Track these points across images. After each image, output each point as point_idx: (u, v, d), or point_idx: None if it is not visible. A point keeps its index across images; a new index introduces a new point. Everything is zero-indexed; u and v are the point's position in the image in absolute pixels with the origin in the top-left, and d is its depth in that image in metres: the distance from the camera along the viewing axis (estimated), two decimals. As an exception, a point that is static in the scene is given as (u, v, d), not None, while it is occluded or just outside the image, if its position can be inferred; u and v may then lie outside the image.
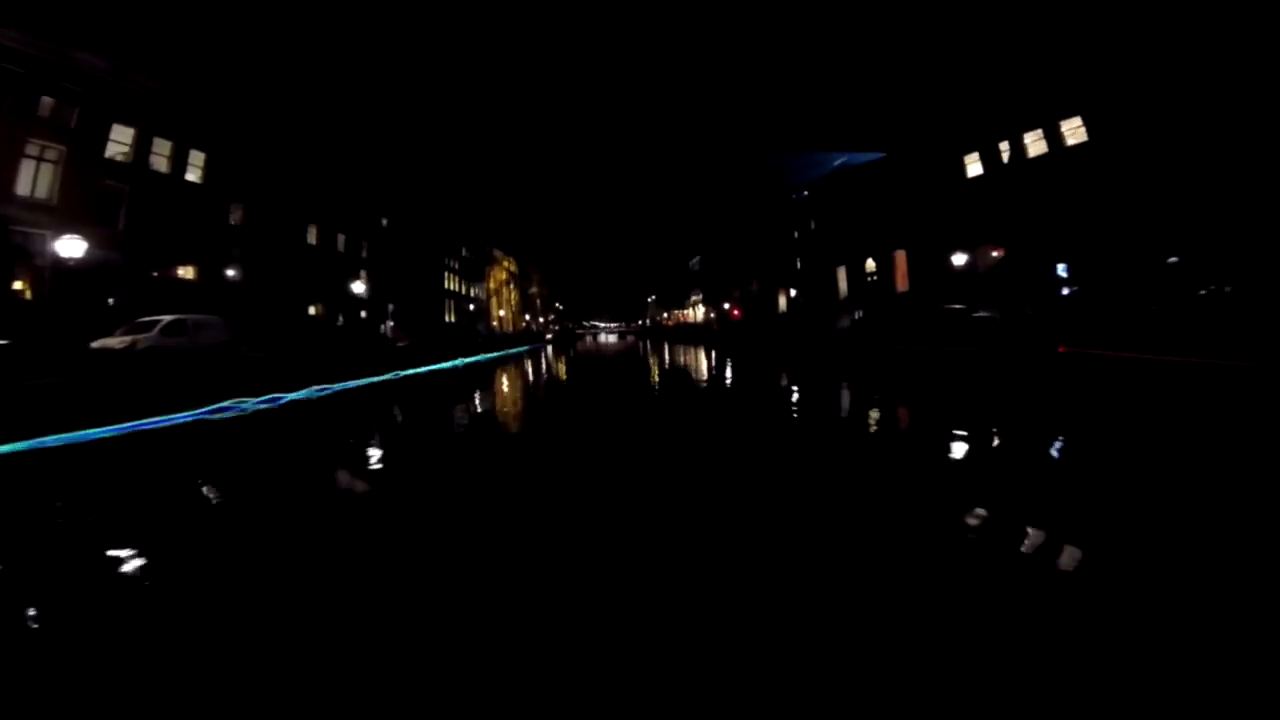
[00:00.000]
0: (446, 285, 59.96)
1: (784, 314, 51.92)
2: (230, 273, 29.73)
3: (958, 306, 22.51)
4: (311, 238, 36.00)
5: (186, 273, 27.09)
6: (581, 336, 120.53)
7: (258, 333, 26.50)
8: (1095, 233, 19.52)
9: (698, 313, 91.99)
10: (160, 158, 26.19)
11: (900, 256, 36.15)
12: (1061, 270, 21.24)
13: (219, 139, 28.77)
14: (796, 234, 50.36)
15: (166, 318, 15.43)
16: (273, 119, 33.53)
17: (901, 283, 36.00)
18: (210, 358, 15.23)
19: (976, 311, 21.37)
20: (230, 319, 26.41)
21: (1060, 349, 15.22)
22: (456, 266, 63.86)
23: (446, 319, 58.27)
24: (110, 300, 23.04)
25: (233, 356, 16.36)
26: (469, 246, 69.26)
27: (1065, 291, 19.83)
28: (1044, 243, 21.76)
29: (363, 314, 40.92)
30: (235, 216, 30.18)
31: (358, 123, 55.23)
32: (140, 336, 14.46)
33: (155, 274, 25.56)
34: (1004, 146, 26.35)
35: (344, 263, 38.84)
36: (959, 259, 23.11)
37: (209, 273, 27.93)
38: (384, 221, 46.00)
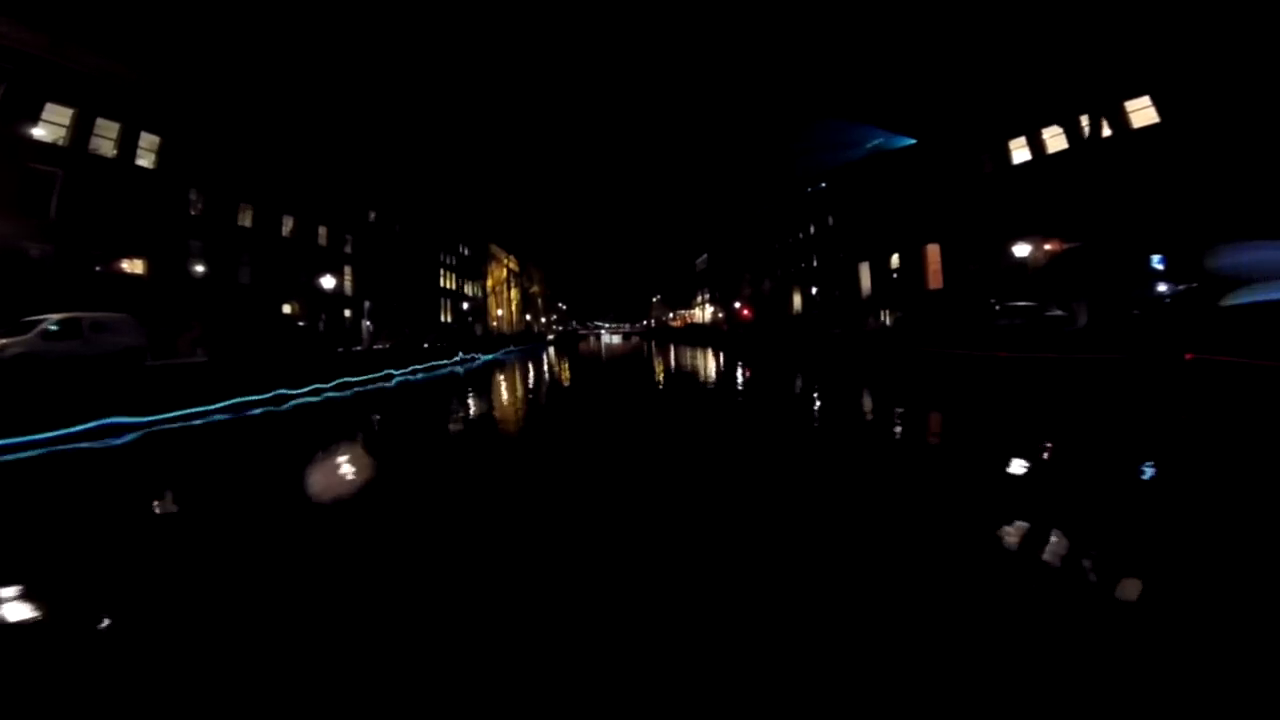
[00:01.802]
0: (442, 283, 56.90)
1: (799, 314, 48.89)
2: (199, 268, 26.67)
3: (1025, 304, 19.04)
4: (287, 230, 32.87)
5: (135, 266, 23.99)
6: (585, 337, 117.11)
7: (220, 333, 23.39)
8: (1204, 219, 16.07)
9: (705, 313, 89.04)
10: (105, 140, 23.14)
11: (932, 251, 32.93)
12: (1157, 263, 17.77)
13: (177, 121, 25.69)
14: (813, 229, 47.56)
15: (54, 316, 12.25)
16: (242, 101, 30.47)
17: (934, 279, 32.83)
18: (110, 366, 12.05)
19: (1049, 310, 17.98)
20: (183, 317, 23.54)
21: (1187, 356, 11.91)
22: (453, 264, 60.84)
23: (443, 318, 55.24)
24: (38, 296, 19.93)
25: (140, 364, 13.14)
26: (467, 243, 66.16)
27: (1163, 288, 16.40)
28: (1129, 233, 18.29)
29: (346, 313, 37.79)
30: (196, 206, 27.09)
31: (342, 107, 52.10)
32: (11, 340, 11.30)
33: (97, 268, 22.50)
34: (1060, 127, 23.05)
35: (325, 258, 35.68)
36: (1021, 250, 19.73)
37: (163, 266, 24.82)
38: (372, 215, 42.85)
